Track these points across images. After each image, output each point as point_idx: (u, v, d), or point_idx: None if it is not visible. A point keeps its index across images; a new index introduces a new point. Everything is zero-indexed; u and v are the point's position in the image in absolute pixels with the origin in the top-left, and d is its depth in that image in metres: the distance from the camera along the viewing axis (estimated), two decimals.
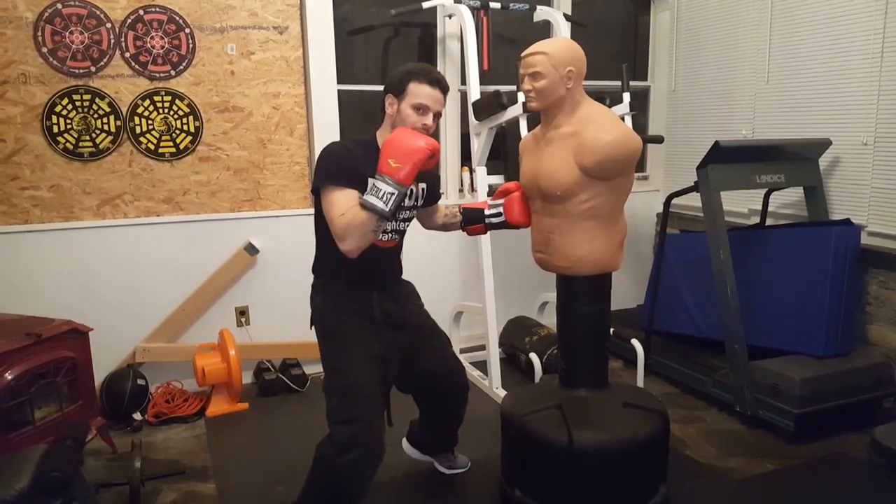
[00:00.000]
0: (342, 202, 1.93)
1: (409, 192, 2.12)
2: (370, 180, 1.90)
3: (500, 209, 2.34)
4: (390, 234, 2.17)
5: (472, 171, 3.65)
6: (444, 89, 2.05)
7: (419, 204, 2.26)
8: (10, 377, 2.41)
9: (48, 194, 3.19)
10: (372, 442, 2.03)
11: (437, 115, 2.06)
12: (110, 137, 3.25)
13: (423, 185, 2.23)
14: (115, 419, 3.11)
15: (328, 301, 2.15)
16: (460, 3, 3.63)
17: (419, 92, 2.01)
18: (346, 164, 1.98)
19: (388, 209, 1.87)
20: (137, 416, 3.16)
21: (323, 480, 2.08)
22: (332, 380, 2.10)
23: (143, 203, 3.36)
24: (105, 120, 3.23)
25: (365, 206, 1.87)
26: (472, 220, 2.39)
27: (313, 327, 2.20)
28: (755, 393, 2.99)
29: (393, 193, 1.87)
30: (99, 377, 3.03)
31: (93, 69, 3.18)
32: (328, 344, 2.14)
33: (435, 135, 4.06)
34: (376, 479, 2.34)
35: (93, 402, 2.81)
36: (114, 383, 3.18)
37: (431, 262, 4.02)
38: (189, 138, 3.39)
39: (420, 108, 2.01)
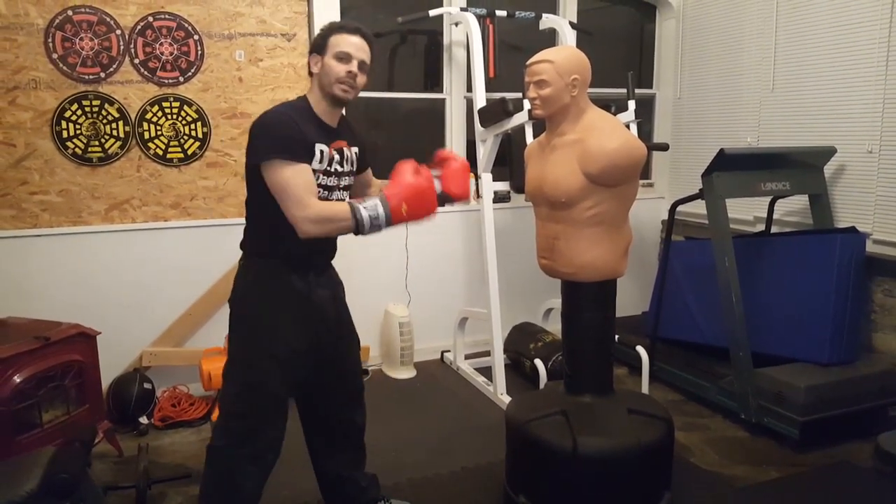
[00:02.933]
0: (305, 181, 1.84)
1: (344, 156, 2.03)
2: (371, 201, 1.83)
3: (437, 182, 2.08)
4: None
5: (477, 178, 3.67)
6: (366, 36, 1.97)
7: (354, 169, 2.12)
8: (18, 380, 2.43)
9: (57, 199, 3.21)
10: (271, 438, 2.00)
11: (363, 66, 1.96)
12: (119, 143, 3.28)
13: (355, 149, 2.11)
14: (121, 423, 3.12)
15: (257, 284, 1.98)
16: (466, 11, 3.65)
17: (340, 41, 1.93)
18: (298, 134, 1.87)
19: (364, 232, 1.83)
20: (144, 419, 3.17)
21: (217, 476, 2.01)
22: (238, 368, 1.99)
23: (150, 208, 3.38)
24: (114, 125, 3.26)
25: (356, 213, 1.81)
26: None
27: (230, 303, 2.04)
28: (760, 400, 2.99)
29: (380, 227, 1.84)
30: (106, 381, 3.04)
31: (102, 75, 3.21)
32: (244, 330, 2.00)
33: (441, 140, 4.10)
34: (380, 484, 2.36)
35: (100, 405, 2.82)
36: (120, 387, 3.20)
37: (437, 268, 4.04)
38: (197, 144, 3.42)
39: (342, 57, 1.92)
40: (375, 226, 1.83)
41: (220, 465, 2.00)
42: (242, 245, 2.05)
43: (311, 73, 2.00)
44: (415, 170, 1.91)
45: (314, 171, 1.90)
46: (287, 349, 1.97)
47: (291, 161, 1.83)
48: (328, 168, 1.96)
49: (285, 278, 1.97)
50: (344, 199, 2.06)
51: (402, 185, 1.86)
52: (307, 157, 1.88)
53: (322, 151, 1.92)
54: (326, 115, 1.99)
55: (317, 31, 3.64)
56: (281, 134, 1.86)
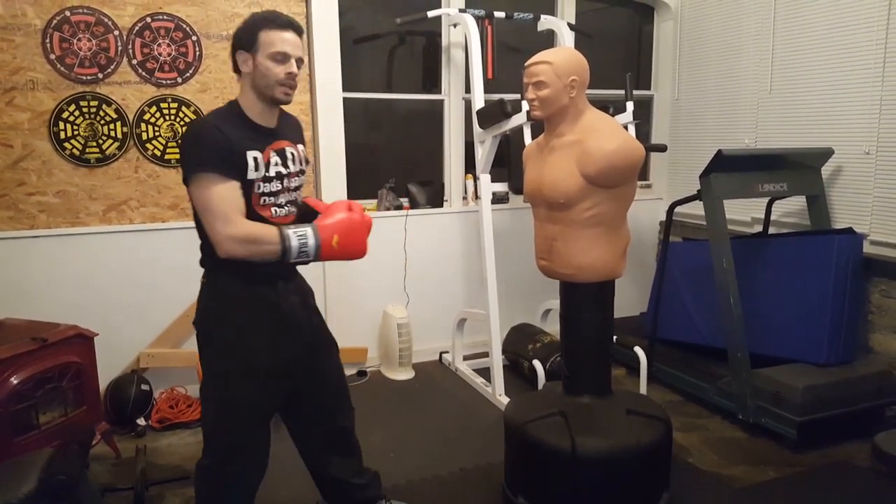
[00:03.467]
0: (230, 198, 1.75)
1: (292, 156, 1.93)
2: (303, 228, 1.76)
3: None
4: (286, 208, 1.93)
5: (476, 179, 3.67)
6: (298, 31, 1.85)
7: (304, 168, 2.03)
8: (15, 381, 2.43)
9: (54, 200, 3.21)
10: (254, 455, 1.97)
11: (300, 63, 1.86)
12: (117, 144, 3.28)
13: (301, 147, 2.01)
14: (119, 424, 3.12)
15: (224, 300, 1.90)
16: (465, 12, 3.65)
17: (273, 39, 1.79)
18: (224, 146, 1.75)
19: (289, 260, 1.75)
20: (141, 421, 3.16)
21: (206, 492, 1.99)
22: (213, 388, 1.92)
23: (148, 209, 3.37)
24: (112, 126, 3.26)
25: (284, 240, 1.72)
26: (305, 219, 1.97)
27: (195, 326, 1.96)
28: (757, 401, 2.99)
29: (308, 257, 1.76)
30: (103, 382, 3.04)
31: (100, 76, 3.20)
32: (216, 348, 1.91)
33: (439, 141, 4.11)
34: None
35: (97, 406, 2.82)
36: (118, 388, 3.19)
37: (435, 269, 4.04)
38: None
39: (279, 57, 1.80)
40: (303, 254, 1.75)
41: (208, 482, 1.98)
42: (203, 262, 1.94)
43: (237, 71, 1.86)
44: (349, 206, 1.86)
45: (251, 180, 1.81)
46: (262, 362, 1.90)
47: (217, 175, 1.73)
48: (267, 174, 1.84)
49: (254, 290, 1.89)
50: (295, 201, 1.99)
51: (336, 219, 1.80)
52: (238, 170, 1.78)
53: (256, 158, 1.81)
54: (262, 117, 1.87)
55: (316, 32, 3.67)
56: (205, 146, 1.75)
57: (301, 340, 2.00)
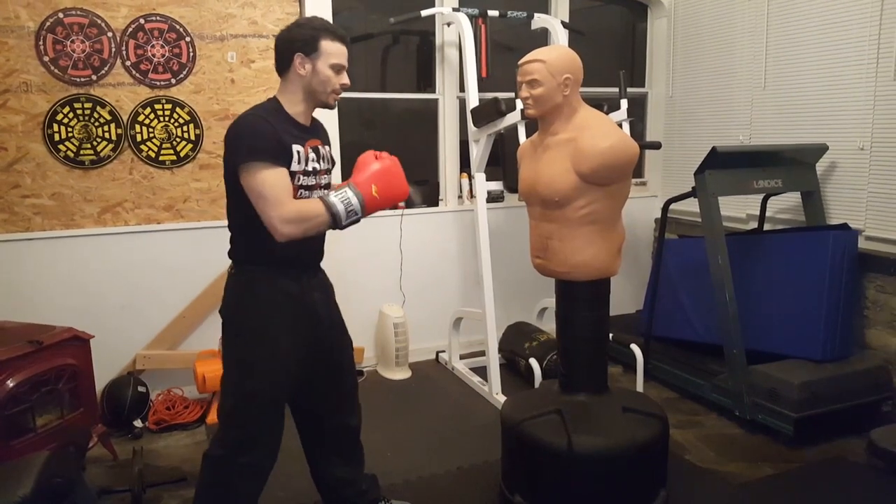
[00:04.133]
0: (282, 183, 1.82)
1: (320, 154, 2.00)
2: (341, 190, 1.84)
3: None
4: None
5: (470, 178, 3.67)
6: (349, 44, 1.97)
7: (331, 167, 2.10)
8: (11, 384, 2.41)
9: (49, 202, 3.20)
10: (269, 447, 1.99)
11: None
12: (111, 145, 3.27)
13: (328, 147, 2.09)
14: (115, 426, 3.11)
15: (251, 292, 1.95)
16: (459, 11, 3.65)
17: (334, 51, 1.90)
18: (274, 138, 1.84)
19: (342, 224, 1.83)
20: (138, 423, 3.16)
21: (213, 484, 1.99)
22: (236, 379, 1.96)
23: (143, 211, 3.37)
24: (106, 128, 3.25)
25: (330, 208, 1.81)
26: None
27: (221, 315, 2.01)
28: (754, 397, 3.00)
29: (357, 215, 1.84)
30: (100, 384, 3.03)
31: (94, 77, 3.20)
32: (240, 340, 1.96)
33: (434, 140, 4.11)
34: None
35: (94, 409, 2.81)
36: (114, 390, 3.19)
37: (431, 268, 4.04)
38: (189, 146, 3.41)
39: (338, 68, 1.92)
40: (352, 213, 1.83)
41: (217, 474, 1.98)
42: (231, 254, 2.01)
43: (283, 70, 1.93)
44: (376, 156, 1.93)
45: (294, 172, 1.88)
46: (286, 359, 1.95)
47: (269, 164, 1.81)
48: (306, 168, 1.93)
49: (280, 283, 1.95)
50: None
51: (370, 171, 1.88)
52: (285, 160, 1.86)
53: (299, 152, 1.89)
54: (301, 116, 1.96)
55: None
56: (257, 137, 1.83)
57: (320, 334, 2.05)
